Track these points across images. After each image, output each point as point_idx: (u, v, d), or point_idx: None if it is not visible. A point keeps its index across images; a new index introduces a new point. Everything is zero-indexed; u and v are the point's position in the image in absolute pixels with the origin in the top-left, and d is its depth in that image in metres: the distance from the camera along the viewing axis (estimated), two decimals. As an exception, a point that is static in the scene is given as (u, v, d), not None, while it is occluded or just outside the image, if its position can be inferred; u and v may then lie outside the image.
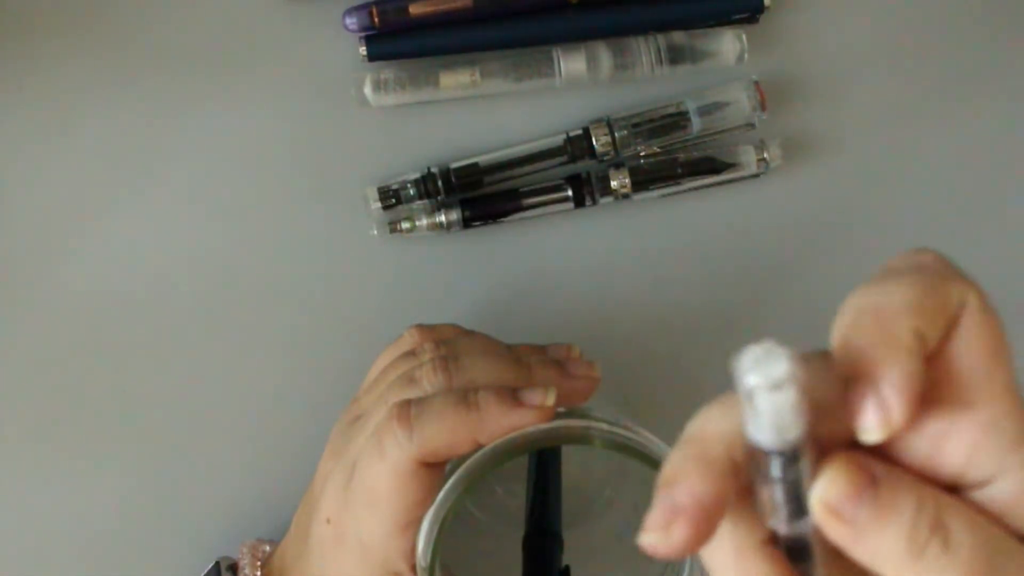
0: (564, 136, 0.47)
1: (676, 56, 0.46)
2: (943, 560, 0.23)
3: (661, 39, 0.46)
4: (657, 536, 0.24)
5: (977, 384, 0.24)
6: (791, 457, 0.23)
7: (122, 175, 0.47)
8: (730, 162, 0.47)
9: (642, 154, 0.47)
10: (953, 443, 0.24)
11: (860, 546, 0.24)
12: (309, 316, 0.47)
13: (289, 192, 0.47)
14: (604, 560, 0.43)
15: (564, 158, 0.47)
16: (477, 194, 0.47)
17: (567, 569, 0.39)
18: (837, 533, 0.24)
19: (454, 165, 0.46)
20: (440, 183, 0.46)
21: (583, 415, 0.36)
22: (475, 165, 0.46)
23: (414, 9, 0.45)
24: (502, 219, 0.47)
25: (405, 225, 0.46)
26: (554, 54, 0.46)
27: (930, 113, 0.49)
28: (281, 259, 0.47)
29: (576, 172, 0.47)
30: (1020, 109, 0.49)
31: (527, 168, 0.47)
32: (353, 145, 0.47)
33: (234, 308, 0.47)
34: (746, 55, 0.46)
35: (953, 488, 0.25)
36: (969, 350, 0.24)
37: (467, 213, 0.46)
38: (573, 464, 0.42)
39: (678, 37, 0.46)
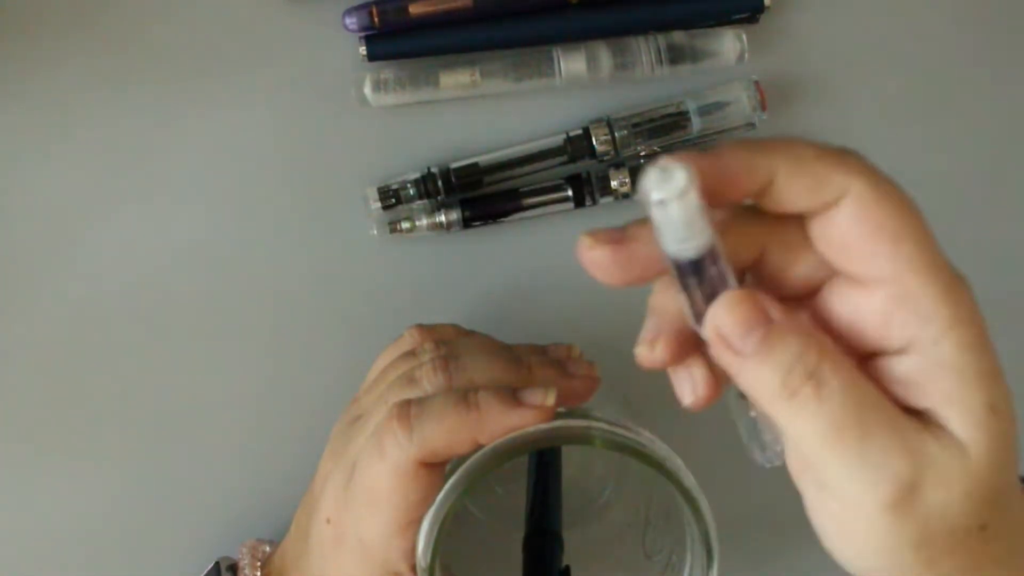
0: (564, 136, 0.47)
1: (676, 56, 0.46)
2: (812, 405, 0.26)
3: (661, 39, 0.46)
4: (645, 348, 0.28)
5: (875, 261, 0.26)
6: (696, 266, 0.26)
7: (122, 175, 0.47)
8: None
9: (642, 154, 0.47)
10: (868, 315, 0.27)
11: (741, 376, 0.27)
12: (309, 316, 0.47)
13: (289, 192, 0.47)
14: (604, 560, 0.43)
15: (564, 158, 0.47)
16: (477, 194, 0.47)
17: (567, 569, 0.39)
18: (722, 358, 0.27)
19: (454, 165, 0.46)
20: (440, 183, 0.46)
21: (583, 415, 0.36)
22: (475, 165, 0.46)
23: (414, 9, 0.45)
24: (502, 219, 0.47)
25: (405, 225, 0.46)
26: (554, 54, 0.46)
27: (931, 113, 0.49)
28: (281, 259, 0.47)
29: (576, 172, 0.47)
30: (1020, 108, 0.49)
31: (527, 168, 0.46)
32: (353, 145, 0.47)
33: (234, 308, 0.47)
34: (746, 55, 0.46)
35: (875, 355, 0.27)
36: (854, 231, 0.26)
37: (467, 213, 0.46)
38: (573, 464, 0.42)
39: (678, 37, 0.46)
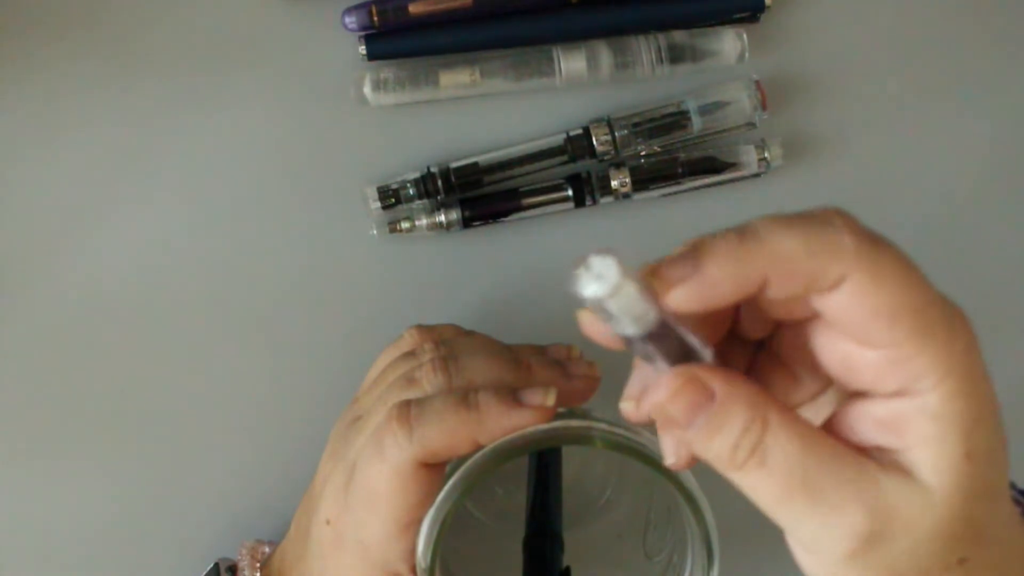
0: (564, 135, 0.46)
1: (677, 55, 0.46)
2: (759, 473, 0.27)
3: (662, 38, 0.46)
4: (630, 405, 0.29)
5: (871, 336, 0.27)
6: (650, 338, 0.26)
7: (121, 175, 0.47)
8: (731, 161, 0.47)
9: (642, 154, 0.46)
10: (863, 365, 0.27)
11: (693, 446, 0.28)
12: (309, 316, 0.47)
13: (288, 192, 0.47)
14: (604, 560, 0.43)
15: (564, 158, 0.46)
16: (477, 194, 0.47)
17: (568, 570, 0.39)
18: (672, 432, 0.28)
19: (454, 165, 0.46)
20: (440, 183, 0.46)
21: (583, 415, 0.36)
22: (475, 165, 0.46)
23: (413, 8, 0.45)
24: (502, 219, 0.47)
25: (405, 225, 0.46)
26: (554, 53, 0.46)
27: (931, 112, 0.49)
28: (280, 259, 0.47)
29: (576, 172, 0.47)
30: (1021, 108, 0.49)
31: (527, 168, 0.46)
32: (353, 145, 0.47)
33: (233, 308, 0.47)
34: (747, 54, 0.46)
35: (865, 393, 0.28)
36: (852, 312, 0.27)
37: (467, 213, 0.46)
38: (573, 464, 0.42)
39: (679, 36, 0.46)
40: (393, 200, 0.46)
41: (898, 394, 0.27)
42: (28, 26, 0.46)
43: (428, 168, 0.46)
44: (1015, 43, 0.49)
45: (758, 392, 0.27)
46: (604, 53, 0.46)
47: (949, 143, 0.49)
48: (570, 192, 0.46)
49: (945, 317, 0.27)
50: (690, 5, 0.46)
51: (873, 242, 0.27)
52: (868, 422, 0.28)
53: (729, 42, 0.46)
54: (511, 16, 0.46)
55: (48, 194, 0.46)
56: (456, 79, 0.46)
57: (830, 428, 0.29)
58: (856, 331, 0.27)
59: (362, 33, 0.46)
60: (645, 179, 0.46)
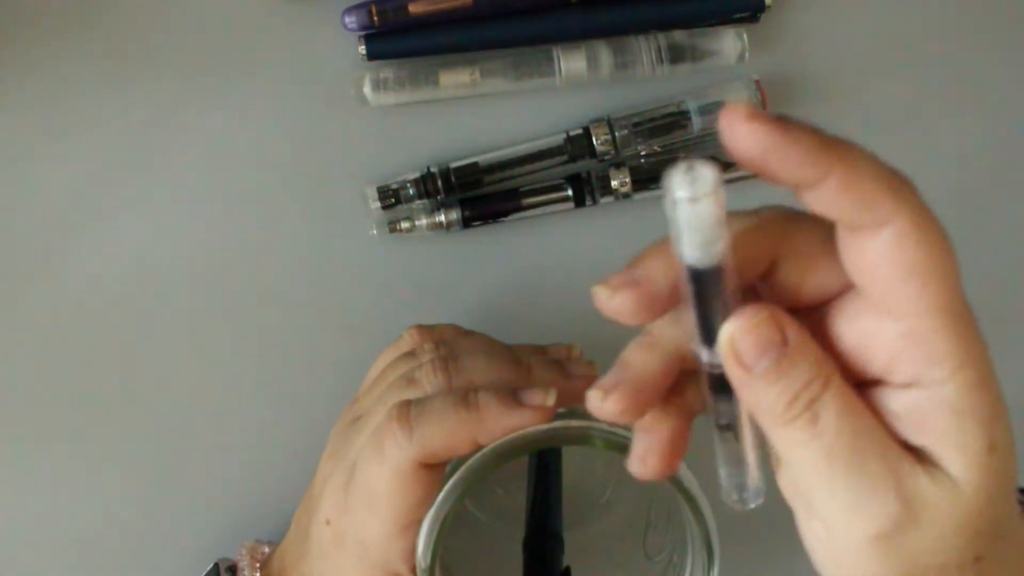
0: (564, 135, 0.46)
1: (677, 55, 0.46)
2: (807, 433, 0.26)
3: (662, 38, 0.46)
4: (597, 395, 0.28)
5: (899, 298, 0.26)
6: (714, 277, 0.25)
7: (121, 175, 0.47)
8: (731, 161, 0.46)
9: (642, 154, 0.46)
10: (878, 344, 0.27)
11: (745, 392, 0.27)
12: (309, 316, 0.47)
13: (288, 192, 0.47)
14: (605, 561, 0.42)
15: (564, 158, 0.46)
16: (477, 194, 0.47)
17: (568, 570, 0.39)
18: (732, 371, 0.26)
19: (454, 165, 0.46)
20: (440, 183, 0.46)
21: (583, 415, 0.36)
22: (475, 165, 0.46)
23: (413, 8, 0.45)
24: (502, 219, 0.47)
25: (405, 225, 0.46)
26: (554, 53, 0.46)
27: (932, 112, 0.49)
28: (280, 259, 0.47)
29: (576, 172, 0.47)
30: (1021, 109, 0.49)
31: (527, 168, 0.46)
32: (352, 144, 0.47)
33: (233, 308, 0.47)
34: (747, 54, 0.46)
35: (875, 383, 0.27)
36: (885, 263, 0.26)
37: (467, 213, 0.46)
38: (574, 465, 0.42)
39: (679, 36, 0.46)
40: (393, 200, 0.46)
41: (912, 384, 0.27)
42: (28, 26, 0.46)
43: (428, 168, 0.46)
44: (1016, 43, 0.49)
45: (824, 352, 0.27)
46: (604, 53, 0.46)
47: (949, 143, 0.49)
48: (570, 192, 0.46)
49: (967, 310, 0.27)
50: (690, 5, 0.46)
51: (926, 206, 0.26)
52: (892, 412, 0.27)
53: (729, 42, 0.46)
54: (511, 16, 0.46)
55: (48, 194, 0.46)
56: (456, 79, 0.46)
57: None
58: (884, 290, 0.26)
59: (362, 33, 0.46)
60: (645, 179, 0.46)
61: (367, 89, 0.46)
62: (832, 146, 0.26)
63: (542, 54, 0.46)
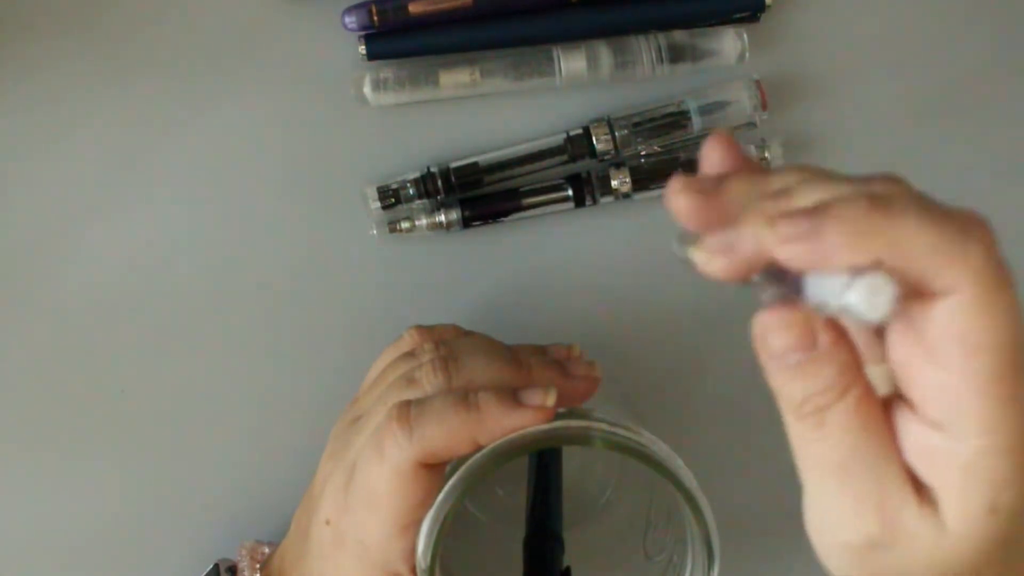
0: (564, 135, 0.46)
1: (677, 55, 0.46)
2: (810, 433, 0.27)
3: (662, 38, 0.46)
4: (703, 253, 0.28)
5: (946, 357, 0.26)
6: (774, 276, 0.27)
7: (121, 175, 0.47)
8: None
9: (643, 153, 0.46)
10: (920, 377, 0.27)
11: (770, 372, 0.27)
12: (308, 316, 0.47)
13: (288, 192, 0.47)
14: (605, 561, 0.42)
15: (564, 157, 0.46)
16: (477, 194, 0.47)
17: (568, 570, 0.39)
18: (760, 352, 0.27)
19: (454, 165, 0.46)
20: (440, 183, 0.46)
21: (584, 415, 0.36)
22: (475, 165, 0.46)
23: (413, 8, 0.45)
24: (502, 219, 0.47)
25: (405, 225, 0.46)
26: (554, 53, 0.46)
27: (932, 112, 0.49)
28: (280, 259, 0.47)
29: (576, 172, 0.47)
30: (1022, 108, 0.49)
31: (527, 168, 0.46)
32: (352, 144, 0.47)
33: (233, 308, 0.47)
34: (747, 54, 0.46)
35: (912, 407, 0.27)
36: (937, 326, 0.25)
37: (467, 213, 0.46)
38: (574, 465, 0.42)
39: (679, 36, 0.46)
40: (393, 200, 0.46)
41: (936, 426, 0.26)
42: (28, 26, 0.46)
43: (428, 168, 0.46)
44: (1017, 42, 0.49)
45: (853, 361, 0.27)
46: (604, 53, 0.46)
47: (951, 142, 0.49)
48: (570, 192, 0.46)
49: (1015, 376, 0.26)
50: (690, 5, 0.46)
51: (1000, 268, 0.25)
52: (909, 438, 0.27)
53: (729, 42, 0.46)
54: (511, 16, 0.46)
55: (48, 194, 0.46)
56: (456, 79, 0.46)
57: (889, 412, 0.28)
58: (931, 346, 0.26)
59: (362, 33, 0.46)
60: (645, 179, 0.46)
61: (367, 89, 0.46)
62: (871, 230, 0.25)
63: (542, 54, 0.46)
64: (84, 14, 0.46)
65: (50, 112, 0.46)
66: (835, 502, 0.28)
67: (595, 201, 0.47)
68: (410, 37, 0.46)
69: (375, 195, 0.46)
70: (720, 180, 0.28)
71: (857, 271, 0.24)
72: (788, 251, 0.26)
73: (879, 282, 0.24)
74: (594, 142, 0.46)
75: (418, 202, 0.46)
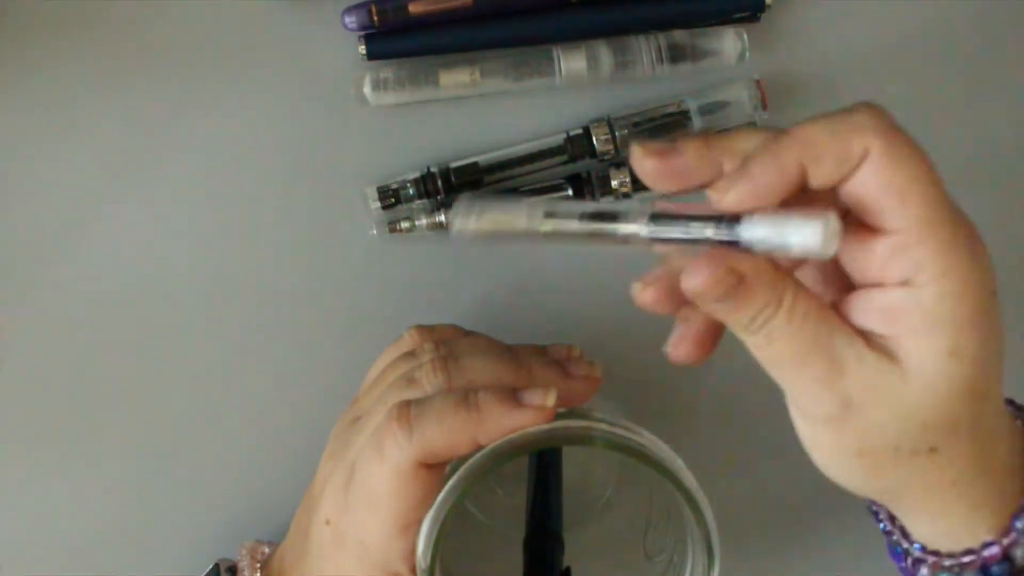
0: (564, 135, 0.46)
1: (677, 55, 0.46)
2: (762, 343, 0.31)
3: (662, 38, 0.46)
4: (638, 287, 0.32)
5: (884, 215, 0.30)
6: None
7: (121, 174, 0.47)
8: None
9: None
10: (871, 257, 0.30)
11: (715, 315, 0.31)
12: (308, 316, 0.47)
13: (288, 192, 0.47)
14: (605, 561, 0.42)
15: (564, 158, 0.46)
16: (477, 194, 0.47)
17: (568, 570, 0.39)
18: (700, 304, 0.31)
19: (454, 164, 0.46)
20: (440, 183, 0.46)
21: (584, 416, 0.36)
22: (475, 165, 0.46)
23: (413, 8, 0.45)
24: None
25: (404, 225, 0.46)
26: (554, 53, 0.46)
27: (932, 112, 0.48)
28: (280, 259, 0.47)
29: (576, 172, 0.47)
30: (1022, 109, 0.49)
31: (527, 168, 0.46)
32: (352, 144, 0.47)
33: (233, 308, 0.47)
34: (747, 54, 0.46)
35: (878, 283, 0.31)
36: (870, 188, 0.30)
37: None
38: (574, 465, 0.42)
39: (679, 36, 0.46)
40: (393, 200, 0.46)
41: (901, 284, 0.30)
42: (28, 26, 0.46)
43: (428, 168, 0.46)
44: (1016, 43, 0.49)
45: (778, 275, 0.30)
46: (604, 53, 0.46)
47: (951, 143, 0.49)
48: (570, 192, 0.46)
49: (952, 221, 0.30)
50: (690, 5, 0.46)
51: (893, 126, 0.30)
52: (870, 309, 0.31)
53: (729, 42, 0.46)
54: (511, 16, 0.46)
55: (48, 193, 0.46)
56: (456, 79, 0.46)
57: (836, 309, 0.32)
58: (872, 209, 0.30)
59: (362, 33, 0.46)
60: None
61: (367, 89, 0.46)
62: (783, 146, 0.30)
63: (542, 54, 0.46)
64: (84, 14, 0.46)
65: (50, 112, 0.46)
66: (804, 386, 0.31)
67: (595, 201, 0.47)
68: (410, 37, 0.46)
69: (375, 195, 0.46)
70: (675, 145, 0.32)
71: (805, 215, 0.28)
72: (731, 198, 0.30)
73: (828, 223, 0.28)
74: (594, 142, 0.46)
75: (418, 202, 0.46)
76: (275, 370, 0.47)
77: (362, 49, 0.46)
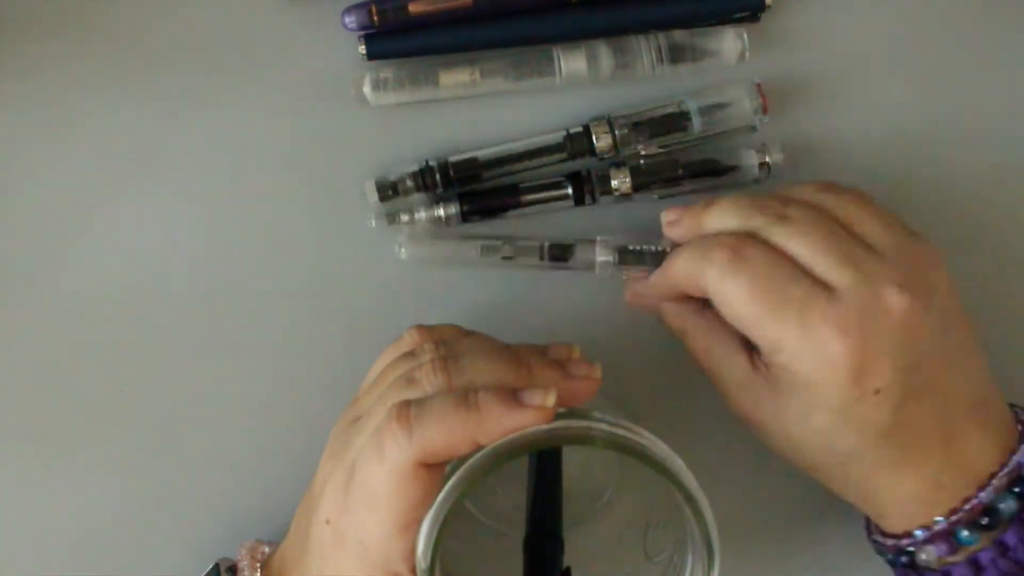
0: (564, 133, 0.46)
1: (677, 55, 0.46)
2: (687, 339, 0.44)
3: (662, 38, 0.46)
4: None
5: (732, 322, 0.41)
6: None
7: (121, 175, 0.47)
8: (732, 165, 0.46)
9: (642, 154, 0.46)
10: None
11: (665, 321, 0.45)
12: (308, 316, 0.47)
13: (288, 191, 0.47)
14: (605, 561, 0.42)
15: (563, 155, 0.46)
16: (475, 188, 0.46)
17: (568, 570, 0.39)
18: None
19: (452, 159, 0.46)
20: (438, 176, 0.46)
21: (584, 416, 0.36)
22: (474, 160, 0.46)
23: (413, 8, 0.45)
24: (501, 215, 0.47)
25: (404, 218, 0.46)
26: (554, 53, 0.46)
27: (933, 113, 0.49)
28: (280, 259, 0.47)
29: (576, 170, 0.47)
30: (1023, 108, 0.49)
31: (526, 164, 0.46)
32: (352, 144, 0.47)
33: (233, 308, 0.47)
34: (747, 54, 0.46)
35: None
36: (715, 301, 0.41)
37: (466, 208, 0.46)
38: (574, 465, 0.42)
39: (679, 36, 0.46)
40: (391, 192, 0.46)
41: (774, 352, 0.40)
42: (27, 25, 0.46)
43: (427, 161, 0.46)
44: (1016, 42, 0.49)
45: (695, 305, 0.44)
46: (604, 53, 0.46)
47: (952, 143, 0.49)
48: (570, 191, 0.46)
49: (769, 322, 0.39)
50: (690, 5, 0.46)
51: (726, 273, 0.40)
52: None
53: (729, 42, 0.46)
54: (511, 16, 0.46)
55: (48, 193, 0.46)
56: (456, 78, 0.46)
57: None
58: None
59: (362, 33, 0.46)
60: (645, 181, 0.46)
61: (367, 89, 0.46)
62: (664, 281, 0.44)
63: (542, 54, 0.46)
64: (84, 14, 0.46)
65: (50, 112, 0.46)
66: (727, 357, 0.42)
67: (595, 200, 0.47)
68: (410, 37, 0.46)
69: (373, 188, 0.46)
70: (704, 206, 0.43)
71: None
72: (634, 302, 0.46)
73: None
74: (594, 141, 0.46)
75: (416, 195, 0.46)
76: (275, 370, 0.47)
77: (362, 49, 0.46)
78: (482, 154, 0.46)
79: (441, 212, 0.46)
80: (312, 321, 0.47)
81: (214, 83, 0.47)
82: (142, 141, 0.47)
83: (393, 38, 0.46)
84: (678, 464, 0.35)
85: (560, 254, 0.46)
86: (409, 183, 0.46)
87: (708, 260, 0.40)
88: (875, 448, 0.40)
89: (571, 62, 0.46)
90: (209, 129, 0.47)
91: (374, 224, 0.46)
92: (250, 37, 0.47)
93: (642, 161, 0.46)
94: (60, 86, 0.46)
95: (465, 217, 0.46)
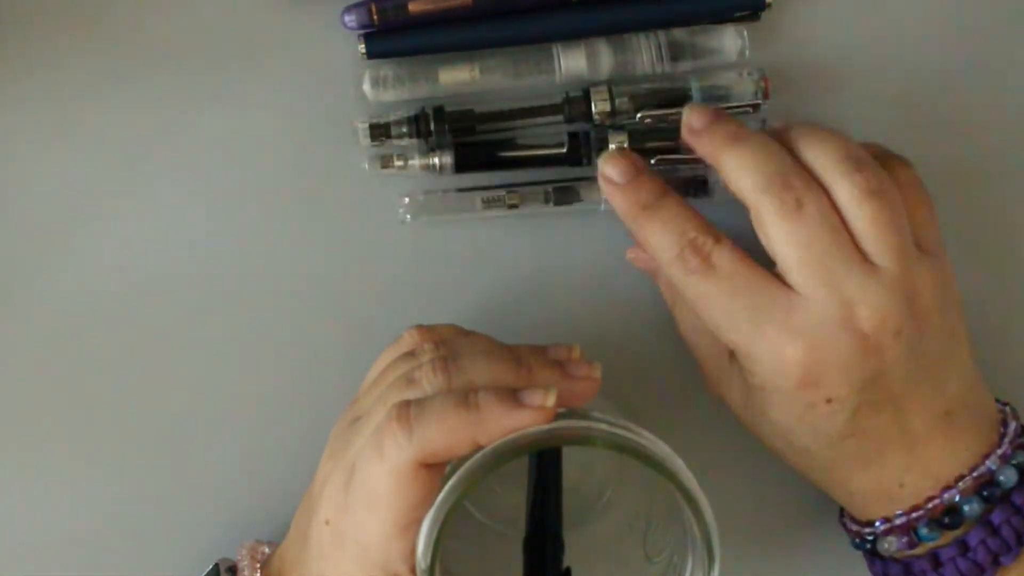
0: (564, 95, 0.46)
1: (677, 53, 0.46)
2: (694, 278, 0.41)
3: (662, 36, 0.46)
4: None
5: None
6: None
7: (121, 174, 0.47)
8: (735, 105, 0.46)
9: (645, 120, 0.46)
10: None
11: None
12: (308, 316, 0.47)
13: (288, 191, 0.47)
14: (605, 561, 0.42)
15: (560, 117, 0.46)
16: (470, 140, 0.46)
17: (568, 571, 0.39)
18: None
19: (449, 108, 0.46)
20: (432, 124, 0.45)
21: (584, 416, 0.36)
22: (470, 111, 0.46)
23: (413, 6, 0.45)
24: (496, 168, 0.46)
25: (398, 164, 0.46)
26: (554, 51, 0.46)
27: (933, 112, 0.48)
28: (279, 259, 0.47)
29: (575, 131, 0.46)
30: (1022, 102, 0.49)
31: (523, 121, 0.46)
32: (352, 144, 0.47)
33: (233, 308, 0.47)
34: (747, 52, 0.46)
35: None
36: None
37: (459, 157, 0.46)
38: (574, 465, 0.42)
39: (679, 34, 0.46)
40: (384, 136, 0.45)
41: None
42: (27, 25, 0.46)
43: (423, 108, 0.46)
44: (1017, 38, 0.49)
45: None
46: (604, 51, 0.46)
47: (952, 142, 0.49)
48: (566, 147, 0.46)
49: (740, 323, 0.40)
50: (690, 3, 0.46)
51: (695, 280, 0.40)
52: None
53: (729, 40, 0.46)
54: (511, 15, 0.46)
55: (48, 193, 0.46)
56: (456, 77, 0.46)
57: None
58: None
59: (361, 32, 0.46)
60: (644, 147, 0.46)
61: (367, 87, 0.46)
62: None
63: (542, 52, 0.46)
64: (84, 13, 0.46)
65: (50, 111, 0.46)
66: (710, 339, 0.43)
67: (590, 161, 0.46)
68: (410, 36, 0.46)
69: (366, 130, 0.45)
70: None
71: None
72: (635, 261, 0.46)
73: None
74: (592, 106, 0.46)
75: (409, 140, 0.46)
76: (275, 370, 0.47)
77: (362, 48, 0.46)
78: (480, 108, 0.46)
79: (436, 160, 0.46)
80: (313, 322, 0.47)
81: (213, 82, 0.47)
82: (142, 140, 0.47)
83: (393, 37, 0.46)
84: (678, 464, 0.35)
85: (564, 198, 0.46)
86: (404, 128, 0.46)
87: (680, 262, 0.40)
88: (830, 449, 0.41)
89: (571, 60, 0.46)
90: (208, 128, 0.47)
91: (367, 168, 0.46)
92: (250, 36, 0.47)
93: (641, 123, 0.46)
94: (60, 86, 0.46)
95: (459, 167, 0.46)
